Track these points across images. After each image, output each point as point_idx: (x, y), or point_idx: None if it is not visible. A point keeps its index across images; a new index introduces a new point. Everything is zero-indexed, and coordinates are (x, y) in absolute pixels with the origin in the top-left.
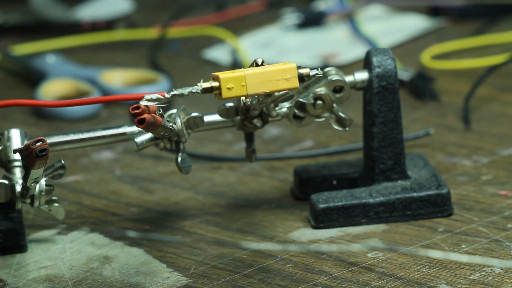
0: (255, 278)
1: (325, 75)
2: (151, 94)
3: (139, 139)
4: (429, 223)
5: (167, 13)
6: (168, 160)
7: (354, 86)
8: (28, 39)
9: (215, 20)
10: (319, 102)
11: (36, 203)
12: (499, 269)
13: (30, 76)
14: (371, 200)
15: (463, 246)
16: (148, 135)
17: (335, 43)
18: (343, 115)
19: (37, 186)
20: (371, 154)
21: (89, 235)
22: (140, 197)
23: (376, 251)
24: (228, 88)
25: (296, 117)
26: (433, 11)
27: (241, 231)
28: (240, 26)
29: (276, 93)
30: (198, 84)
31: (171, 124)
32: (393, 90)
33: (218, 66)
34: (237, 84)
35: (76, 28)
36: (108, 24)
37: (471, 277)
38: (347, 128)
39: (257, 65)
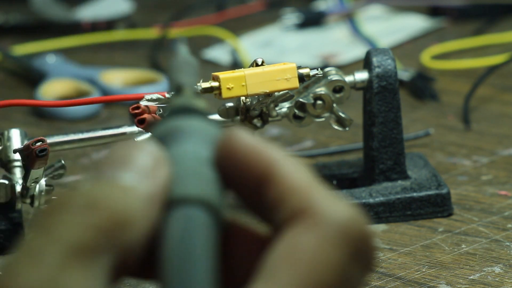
0: None
1: (325, 75)
2: (151, 94)
3: (139, 139)
4: (429, 223)
5: (167, 13)
6: None
7: (354, 86)
8: (28, 39)
9: (215, 20)
10: (319, 102)
11: (36, 203)
12: (499, 269)
13: (30, 76)
14: (371, 200)
15: (463, 246)
16: (148, 135)
17: (335, 43)
18: (343, 115)
19: (37, 186)
20: (371, 154)
21: None
22: None
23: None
24: (228, 88)
25: (296, 117)
26: (433, 11)
27: None
28: (240, 26)
29: (276, 93)
30: (198, 84)
31: None
32: (393, 90)
33: (218, 66)
34: (237, 84)
35: (76, 28)
36: (108, 24)
37: (471, 277)
38: (347, 128)
39: (257, 65)
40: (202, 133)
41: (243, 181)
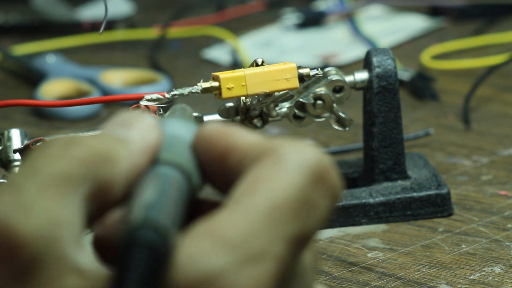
0: None
1: (325, 75)
2: (151, 94)
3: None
4: (429, 223)
5: (167, 13)
6: None
7: (354, 86)
8: (28, 39)
9: (215, 20)
10: (319, 102)
11: None
12: (499, 269)
13: (30, 76)
14: (371, 200)
15: (463, 246)
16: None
17: (335, 43)
18: (343, 115)
19: None
20: (371, 154)
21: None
22: None
23: (376, 251)
24: (228, 88)
25: (296, 117)
26: (433, 11)
27: None
28: (240, 26)
29: (276, 93)
30: (198, 84)
31: None
32: (393, 90)
33: (218, 66)
34: (237, 84)
35: (76, 28)
36: (108, 24)
37: (471, 277)
38: (347, 128)
39: (257, 65)
40: (185, 126)
41: (211, 163)
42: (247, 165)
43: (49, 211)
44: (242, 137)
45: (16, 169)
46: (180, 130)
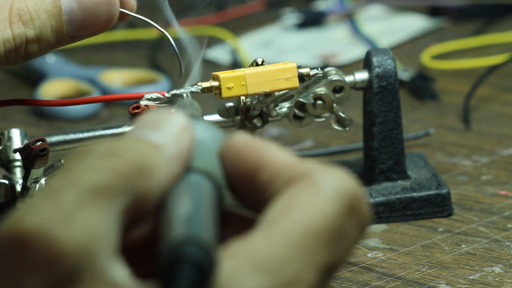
0: None
1: (325, 75)
2: (151, 94)
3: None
4: (429, 223)
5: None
6: None
7: (354, 86)
8: None
9: (215, 20)
10: (319, 102)
11: None
12: (499, 269)
13: (30, 76)
14: (371, 200)
15: (463, 246)
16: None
17: (335, 43)
18: (343, 115)
19: (37, 185)
20: (371, 154)
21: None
22: None
23: (376, 251)
24: (228, 88)
25: (296, 117)
26: (433, 11)
27: None
28: (240, 26)
29: (276, 93)
30: (198, 83)
31: None
32: (393, 90)
33: (218, 66)
34: (237, 83)
35: None
36: None
37: (471, 277)
38: (347, 128)
39: (257, 64)
40: (212, 131)
41: (238, 176)
42: (281, 186)
43: (89, 223)
44: (274, 154)
45: (18, 169)
46: (207, 135)
